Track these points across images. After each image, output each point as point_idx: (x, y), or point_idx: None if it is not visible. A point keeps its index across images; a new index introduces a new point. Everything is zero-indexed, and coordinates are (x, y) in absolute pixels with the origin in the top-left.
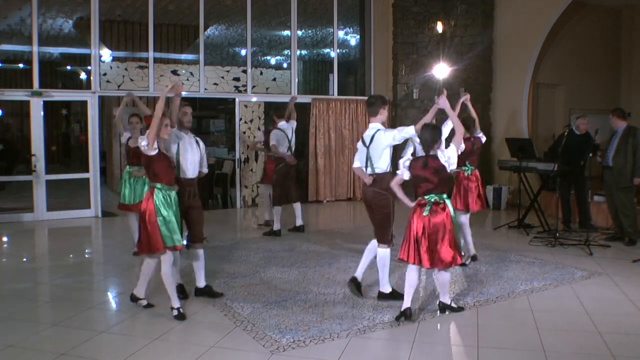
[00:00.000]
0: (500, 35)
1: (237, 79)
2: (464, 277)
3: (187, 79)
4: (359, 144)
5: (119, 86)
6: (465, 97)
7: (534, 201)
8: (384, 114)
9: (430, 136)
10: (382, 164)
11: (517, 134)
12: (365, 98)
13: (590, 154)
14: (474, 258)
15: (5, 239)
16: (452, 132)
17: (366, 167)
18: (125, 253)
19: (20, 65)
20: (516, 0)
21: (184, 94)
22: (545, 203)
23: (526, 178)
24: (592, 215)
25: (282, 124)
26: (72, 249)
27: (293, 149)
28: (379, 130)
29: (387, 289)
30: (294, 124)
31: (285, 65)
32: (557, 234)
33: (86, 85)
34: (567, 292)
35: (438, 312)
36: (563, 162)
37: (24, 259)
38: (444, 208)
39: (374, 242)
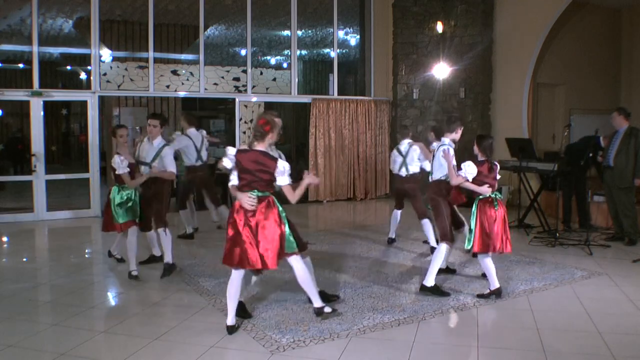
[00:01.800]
0: (500, 35)
1: (237, 79)
2: (464, 277)
3: (187, 79)
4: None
5: (119, 86)
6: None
7: (534, 201)
8: (458, 132)
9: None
10: (439, 174)
11: (517, 134)
12: (366, 98)
13: (591, 154)
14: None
15: (5, 239)
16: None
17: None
18: (124, 253)
19: (20, 65)
20: (516, 0)
21: (183, 94)
22: (545, 203)
23: (526, 178)
24: (592, 215)
25: (191, 131)
26: (72, 249)
27: (204, 158)
28: (445, 147)
29: (430, 282)
30: (204, 132)
31: (285, 65)
32: (557, 234)
33: (86, 85)
34: (567, 292)
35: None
36: (566, 162)
37: (24, 259)
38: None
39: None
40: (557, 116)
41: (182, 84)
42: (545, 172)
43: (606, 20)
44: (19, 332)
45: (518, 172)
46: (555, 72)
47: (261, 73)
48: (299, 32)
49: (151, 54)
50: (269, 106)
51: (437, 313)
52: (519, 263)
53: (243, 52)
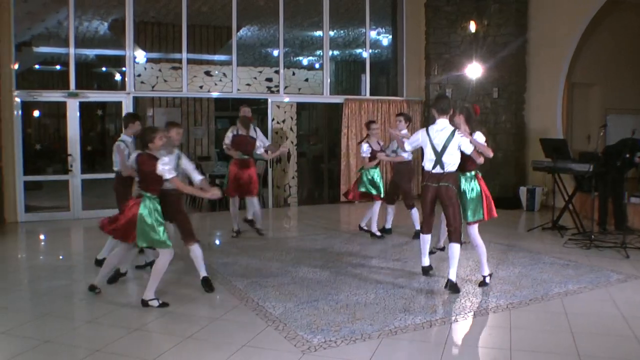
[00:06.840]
0: (535, 35)
1: (269, 80)
2: (497, 279)
3: (220, 80)
4: None
5: (153, 87)
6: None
7: (569, 202)
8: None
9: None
10: None
11: (552, 135)
12: (398, 98)
13: (627, 155)
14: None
15: (42, 237)
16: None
17: None
18: None
19: (57, 67)
20: None
21: (216, 94)
22: (580, 204)
23: (560, 179)
24: (629, 217)
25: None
26: None
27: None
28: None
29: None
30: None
31: (317, 65)
32: (593, 236)
33: (121, 86)
34: (602, 296)
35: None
36: (603, 164)
37: (60, 257)
38: None
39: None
40: (592, 116)
41: (215, 84)
42: (581, 173)
43: None
44: (55, 328)
45: (552, 173)
46: (590, 72)
47: (293, 74)
48: (331, 33)
49: (184, 55)
50: (301, 107)
51: (470, 315)
52: (553, 265)
53: (275, 52)
